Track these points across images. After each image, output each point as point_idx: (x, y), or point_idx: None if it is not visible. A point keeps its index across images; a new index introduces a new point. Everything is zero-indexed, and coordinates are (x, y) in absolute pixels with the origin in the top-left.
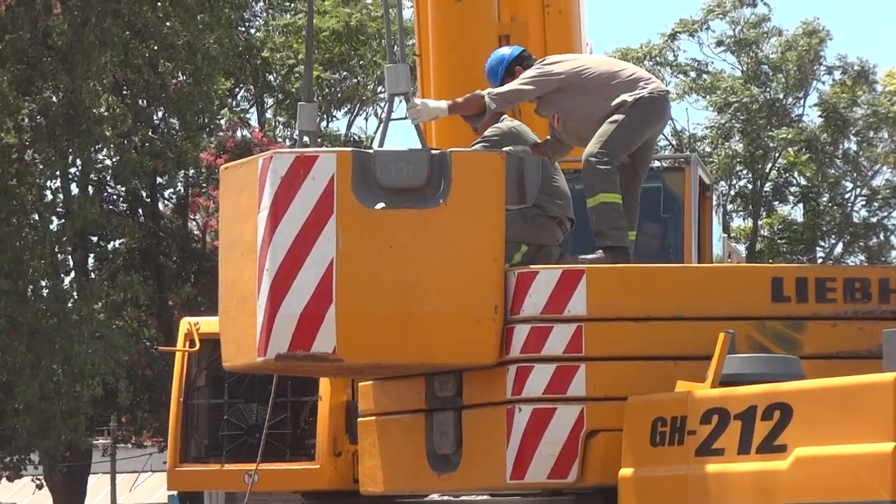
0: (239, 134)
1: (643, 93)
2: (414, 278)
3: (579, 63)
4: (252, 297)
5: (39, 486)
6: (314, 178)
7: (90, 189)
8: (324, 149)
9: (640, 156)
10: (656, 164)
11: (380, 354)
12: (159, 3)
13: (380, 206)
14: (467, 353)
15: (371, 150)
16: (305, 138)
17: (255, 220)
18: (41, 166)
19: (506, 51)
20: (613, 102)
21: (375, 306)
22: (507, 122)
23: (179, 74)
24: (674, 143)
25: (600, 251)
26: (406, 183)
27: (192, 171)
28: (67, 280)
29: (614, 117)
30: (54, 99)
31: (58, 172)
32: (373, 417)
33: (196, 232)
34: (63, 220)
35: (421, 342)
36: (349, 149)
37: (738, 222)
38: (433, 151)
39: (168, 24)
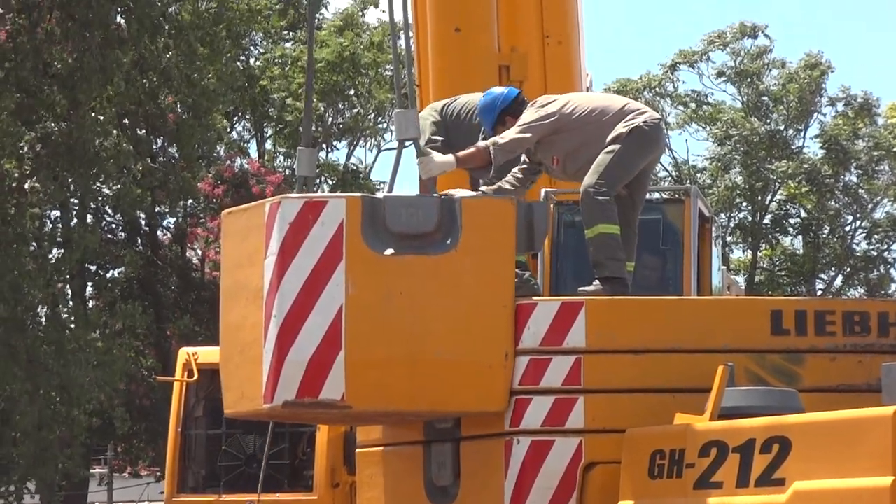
0: (237, 163)
1: (637, 122)
2: (423, 325)
3: (570, 102)
4: (257, 343)
5: None
6: (323, 224)
7: (89, 217)
8: (333, 194)
9: (636, 186)
10: (656, 195)
11: (389, 401)
12: (160, 36)
13: (389, 251)
14: (477, 400)
15: (380, 196)
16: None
17: (261, 266)
18: (41, 195)
19: (500, 90)
20: (609, 136)
21: (385, 353)
22: None
23: (178, 107)
24: (674, 174)
25: (598, 283)
26: (416, 229)
27: (190, 201)
28: (65, 309)
29: (610, 148)
30: (55, 127)
31: (58, 202)
32: (371, 448)
33: (195, 262)
34: (62, 250)
35: (430, 389)
36: (358, 194)
37: (737, 254)
38: (443, 197)
39: (168, 55)
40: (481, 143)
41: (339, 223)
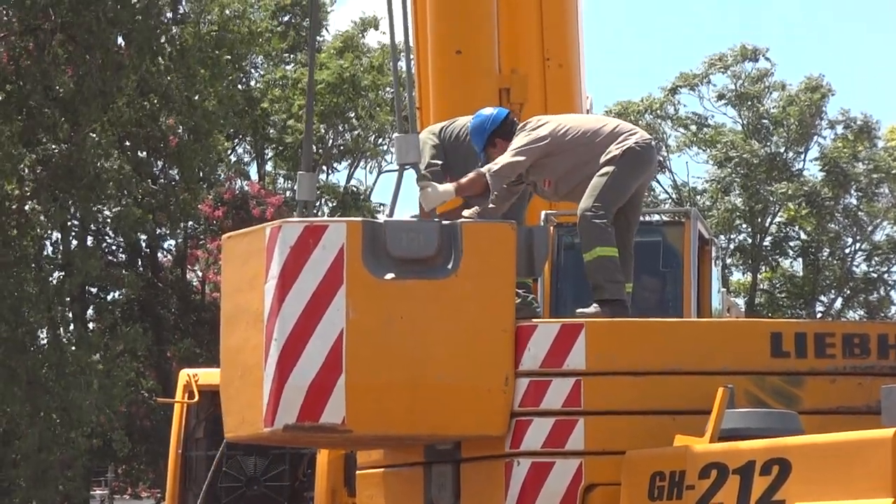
0: (237, 185)
1: (629, 143)
2: (424, 349)
3: (562, 124)
4: (258, 367)
5: None
6: (324, 248)
7: (89, 239)
8: (334, 219)
9: (630, 207)
10: (656, 218)
11: (389, 426)
12: (160, 58)
13: (390, 276)
14: (477, 425)
15: (381, 220)
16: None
17: (261, 290)
18: (42, 217)
19: (489, 111)
20: (602, 158)
21: (385, 377)
22: None
23: (179, 129)
24: (673, 196)
25: (597, 305)
26: (416, 253)
27: (190, 223)
28: (65, 331)
29: (604, 170)
30: (55, 149)
31: (59, 224)
32: (371, 470)
33: (195, 283)
34: (63, 273)
35: (431, 413)
36: (359, 219)
37: (737, 276)
38: (444, 222)
39: (168, 77)
40: (480, 170)
41: (339, 247)
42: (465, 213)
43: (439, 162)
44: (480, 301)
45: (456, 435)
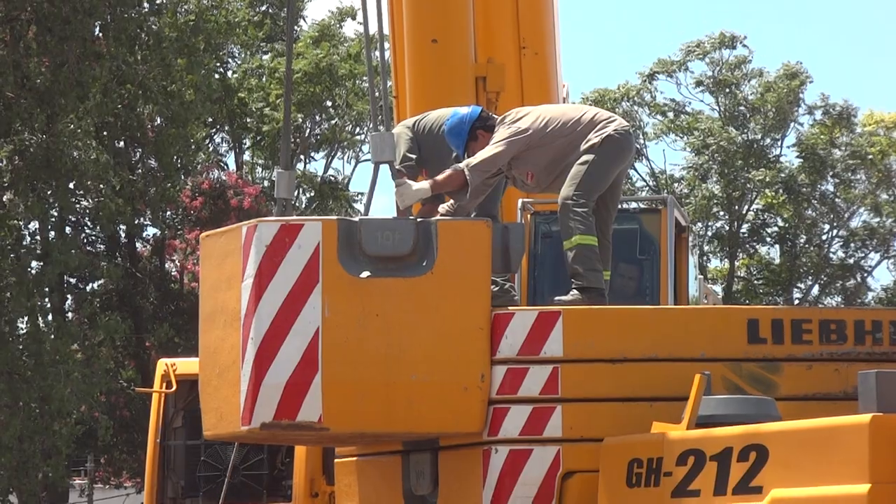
0: (215, 175)
1: (608, 131)
2: (400, 347)
3: (542, 115)
4: (235, 365)
5: None
6: (300, 247)
7: (67, 229)
8: (309, 217)
9: (610, 196)
10: (633, 205)
11: (365, 423)
12: (137, 47)
13: (365, 274)
14: (453, 422)
15: (356, 219)
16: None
17: (238, 289)
18: (20, 208)
19: (464, 111)
20: (582, 147)
21: (361, 375)
22: None
23: (157, 118)
24: (651, 184)
25: (576, 292)
26: (392, 251)
27: (168, 213)
28: (44, 321)
29: (584, 158)
30: (32, 140)
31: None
32: (350, 458)
33: (174, 273)
34: (42, 263)
35: (407, 411)
36: (334, 217)
37: (714, 263)
38: (419, 220)
39: (145, 66)
40: (457, 166)
41: (315, 246)
42: (441, 207)
43: (414, 156)
44: (456, 299)
45: (432, 432)
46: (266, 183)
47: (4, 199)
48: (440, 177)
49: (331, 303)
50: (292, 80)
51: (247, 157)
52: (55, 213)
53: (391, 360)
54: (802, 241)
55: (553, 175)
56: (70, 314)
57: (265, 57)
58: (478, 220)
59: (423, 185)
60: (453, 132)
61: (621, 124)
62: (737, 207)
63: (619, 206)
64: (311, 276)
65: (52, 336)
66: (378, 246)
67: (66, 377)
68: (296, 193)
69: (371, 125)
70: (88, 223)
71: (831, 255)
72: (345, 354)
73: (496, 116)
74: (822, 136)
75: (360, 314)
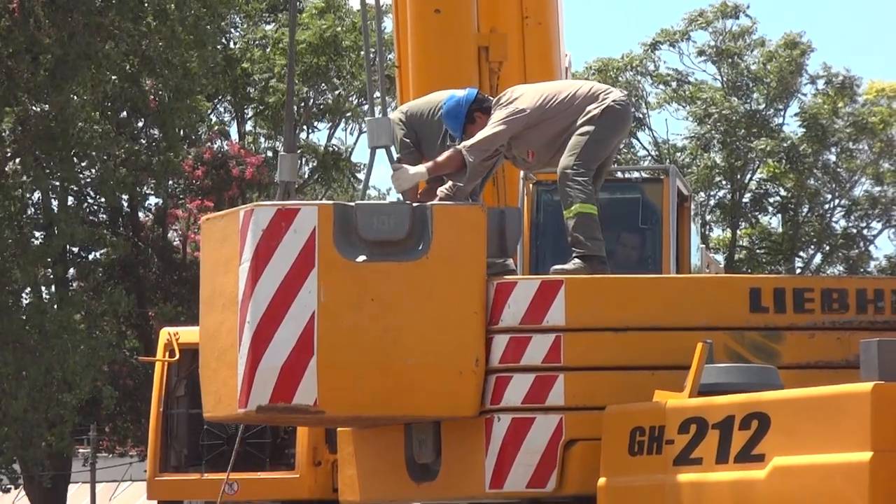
0: (217, 145)
1: (608, 101)
2: (395, 331)
3: (538, 94)
4: (233, 349)
5: (6, 490)
6: (296, 231)
7: (70, 199)
8: (305, 202)
9: (601, 166)
10: (635, 175)
11: (361, 407)
12: (141, 17)
13: (361, 258)
14: (448, 406)
15: (352, 203)
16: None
17: (236, 273)
18: (24, 178)
19: (460, 93)
20: (580, 119)
21: (357, 359)
22: None
23: (161, 89)
24: (653, 153)
25: (577, 261)
26: (388, 236)
27: (171, 182)
28: (47, 292)
29: (584, 129)
30: (36, 110)
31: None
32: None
33: (176, 242)
34: (45, 233)
35: (402, 394)
36: (330, 202)
37: (717, 233)
38: (414, 204)
39: (148, 41)
40: (455, 148)
41: (311, 230)
42: (440, 190)
43: (409, 141)
44: (451, 283)
45: (427, 416)
46: (269, 153)
47: (7, 168)
48: (439, 159)
49: (326, 287)
50: (294, 57)
51: (249, 126)
52: (57, 184)
53: (386, 344)
54: (805, 210)
55: (553, 151)
56: (73, 284)
57: (268, 27)
58: (473, 204)
59: (420, 168)
60: (450, 115)
61: (619, 96)
62: (739, 177)
63: (621, 176)
64: (307, 260)
65: (55, 307)
66: (374, 230)
67: (72, 348)
68: (299, 161)
69: (368, 110)
70: (91, 193)
71: (833, 224)
72: (340, 338)
73: (492, 98)
74: (825, 106)
75: (356, 298)
